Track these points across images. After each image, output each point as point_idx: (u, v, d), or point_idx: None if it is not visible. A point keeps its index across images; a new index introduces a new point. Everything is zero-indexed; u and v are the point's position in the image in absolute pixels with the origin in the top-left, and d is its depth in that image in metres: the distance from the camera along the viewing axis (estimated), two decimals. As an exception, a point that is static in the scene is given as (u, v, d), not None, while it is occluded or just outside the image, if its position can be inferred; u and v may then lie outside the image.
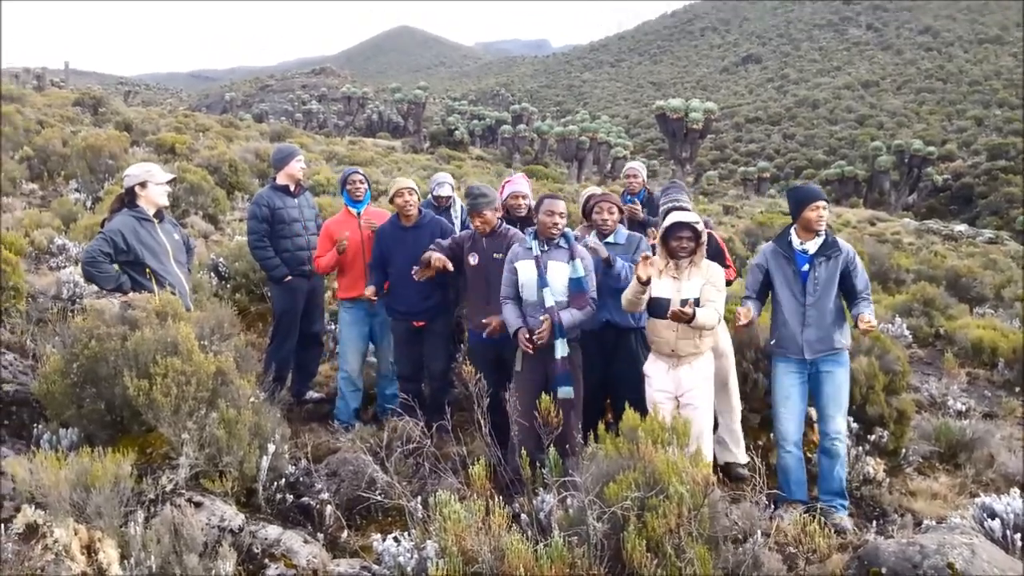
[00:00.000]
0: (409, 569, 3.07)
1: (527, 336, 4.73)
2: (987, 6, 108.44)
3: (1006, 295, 13.99)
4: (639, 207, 6.73)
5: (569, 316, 4.71)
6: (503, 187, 6.15)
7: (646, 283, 4.50)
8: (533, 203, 6.18)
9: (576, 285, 4.77)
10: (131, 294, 4.67)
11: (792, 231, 5.01)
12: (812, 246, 4.91)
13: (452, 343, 6.24)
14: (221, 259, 8.91)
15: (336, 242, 6.00)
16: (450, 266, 5.23)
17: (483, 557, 2.94)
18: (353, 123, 61.75)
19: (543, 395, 4.01)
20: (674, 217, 4.71)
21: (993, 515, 3.98)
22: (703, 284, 4.66)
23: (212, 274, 8.63)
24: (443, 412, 4.53)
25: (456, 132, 49.23)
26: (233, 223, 12.54)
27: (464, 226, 6.65)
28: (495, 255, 5.19)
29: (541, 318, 4.70)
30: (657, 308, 4.68)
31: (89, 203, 11.96)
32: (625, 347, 5.17)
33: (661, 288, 4.69)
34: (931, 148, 48.39)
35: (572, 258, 4.81)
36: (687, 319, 4.41)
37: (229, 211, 13.30)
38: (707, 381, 4.78)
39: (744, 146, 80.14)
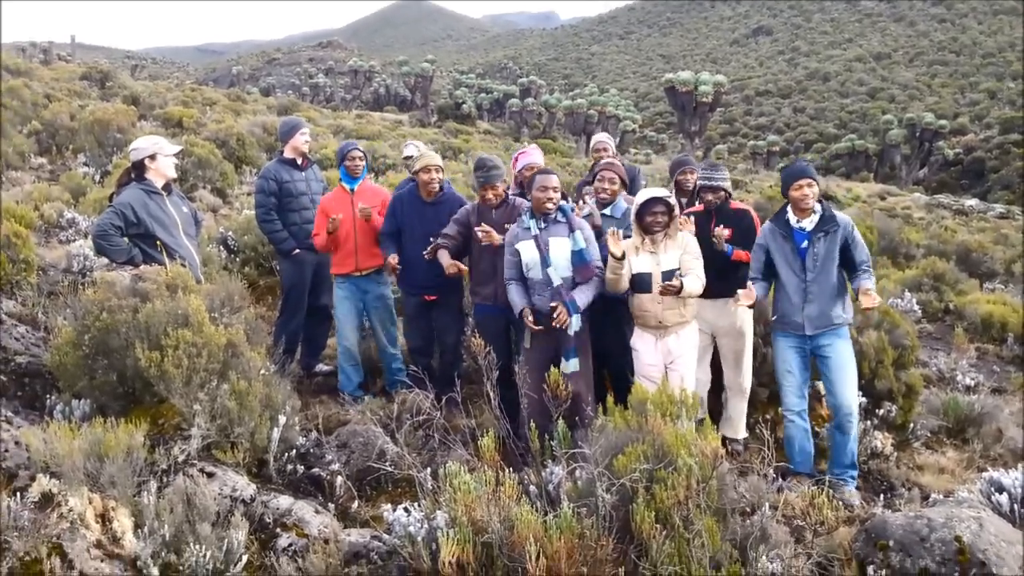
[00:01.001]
0: (419, 539, 3.10)
1: (532, 317, 4.74)
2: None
3: (1016, 270, 13.94)
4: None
5: (582, 296, 4.72)
6: (516, 158, 6.11)
7: (621, 258, 4.56)
8: None
9: (578, 257, 4.78)
10: (142, 267, 4.69)
11: (788, 209, 4.99)
12: (809, 223, 4.88)
13: (463, 316, 6.24)
14: (230, 233, 8.93)
15: (329, 220, 5.92)
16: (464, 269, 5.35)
17: (493, 527, 2.96)
18: (360, 97, 61.43)
19: (552, 368, 4.03)
20: (646, 193, 4.78)
21: (1001, 489, 3.99)
22: (680, 255, 4.78)
23: (221, 248, 8.65)
24: (453, 385, 4.55)
25: (463, 106, 48.86)
26: (241, 197, 12.54)
27: None
28: (506, 226, 5.18)
29: (552, 304, 4.68)
30: (640, 284, 4.79)
31: (98, 177, 11.97)
32: (612, 320, 5.17)
33: (641, 264, 4.80)
34: (943, 121, 47.82)
35: (572, 231, 4.80)
36: (675, 291, 4.52)
37: (237, 185, 13.29)
38: (692, 348, 4.93)
39: (754, 120, 79.60)
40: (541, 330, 4.72)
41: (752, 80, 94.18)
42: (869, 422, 5.62)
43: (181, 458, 3.55)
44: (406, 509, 3.34)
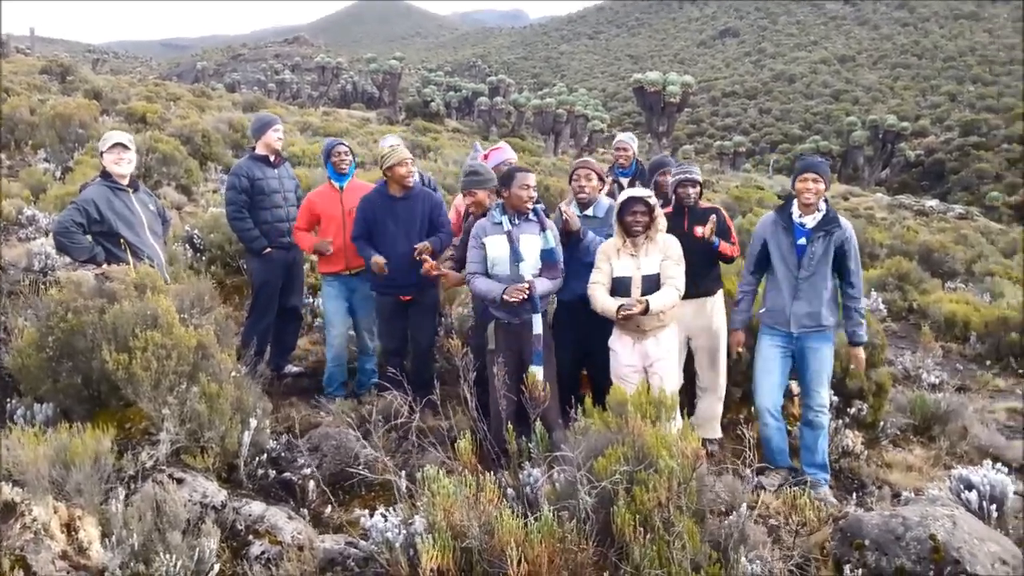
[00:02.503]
0: (397, 545, 3.04)
1: (515, 292, 4.57)
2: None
3: (976, 270, 14.24)
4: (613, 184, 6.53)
5: (542, 285, 4.70)
6: (488, 154, 6.06)
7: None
8: None
9: (548, 255, 4.77)
10: (105, 266, 4.57)
11: (794, 203, 5.00)
12: (811, 220, 4.90)
13: (438, 316, 6.18)
14: (196, 231, 8.76)
15: (313, 216, 5.96)
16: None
17: (472, 532, 2.92)
18: (327, 93, 60.81)
19: (529, 369, 4.00)
20: (627, 193, 4.72)
21: (970, 486, 4.05)
22: (662, 259, 4.66)
23: (187, 246, 8.48)
24: (428, 386, 4.49)
25: (432, 103, 48.55)
26: (207, 194, 12.30)
27: None
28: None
29: (526, 282, 4.63)
30: (620, 288, 4.69)
31: (59, 173, 11.67)
32: (598, 320, 5.15)
33: (621, 267, 4.71)
34: (905, 123, 48.61)
35: (543, 229, 4.78)
36: (640, 313, 4.44)
37: (203, 182, 13.05)
38: (672, 352, 4.83)
39: (720, 120, 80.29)
40: (519, 301, 4.58)
41: (719, 81, 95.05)
42: (840, 421, 5.68)
43: (149, 464, 3.46)
44: (383, 514, 3.28)
